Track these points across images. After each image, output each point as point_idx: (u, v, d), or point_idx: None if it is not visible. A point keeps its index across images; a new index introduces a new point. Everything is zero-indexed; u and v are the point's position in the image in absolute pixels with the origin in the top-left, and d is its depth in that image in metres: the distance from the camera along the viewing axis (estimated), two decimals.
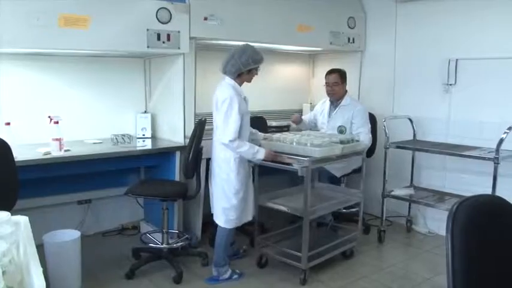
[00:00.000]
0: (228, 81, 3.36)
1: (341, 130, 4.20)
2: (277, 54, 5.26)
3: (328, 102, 4.41)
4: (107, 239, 4.27)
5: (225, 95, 3.26)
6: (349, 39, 4.95)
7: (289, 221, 4.42)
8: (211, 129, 3.97)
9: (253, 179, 3.61)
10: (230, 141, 3.21)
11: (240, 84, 3.39)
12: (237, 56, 3.29)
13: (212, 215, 4.20)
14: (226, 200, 3.38)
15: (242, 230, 4.02)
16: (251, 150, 3.29)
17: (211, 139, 3.52)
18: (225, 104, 3.24)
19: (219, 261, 3.47)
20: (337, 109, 4.30)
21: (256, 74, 3.43)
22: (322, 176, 4.29)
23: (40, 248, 2.82)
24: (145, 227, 4.33)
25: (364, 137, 4.05)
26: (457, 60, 4.25)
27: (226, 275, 3.48)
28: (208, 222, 4.24)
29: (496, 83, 4.03)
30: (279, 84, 5.42)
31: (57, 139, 3.34)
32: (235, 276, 3.51)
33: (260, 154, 3.31)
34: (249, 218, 3.54)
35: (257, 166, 3.57)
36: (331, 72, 4.29)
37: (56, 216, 4.02)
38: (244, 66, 3.30)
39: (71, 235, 3.30)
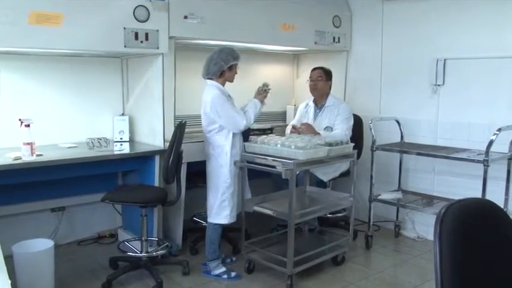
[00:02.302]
0: (211, 83, 3.49)
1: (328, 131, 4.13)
2: (260, 54, 5.18)
3: (312, 104, 4.35)
4: (82, 248, 4.14)
5: (211, 95, 3.42)
6: (334, 38, 4.88)
7: (272, 227, 4.34)
8: (192, 132, 3.89)
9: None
10: (244, 123, 3.44)
11: (223, 84, 3.52)
12: (216, 56, 3.45)
13: (193, 221, 4.14)
14: (218, 195, 3.52)
15: (225, 238, 3.94)
16: (253, 109, 3.50)
17: (192, 142, 3.56)
18: (215, 103, 3.39)
19: (207, 256, 3.60)
20: (322, 110, 4.26)
21: (236, 72, 3.56)
22: (311, 180, 4.18)
23: (10, 259, 2.69)
24: (123, 235, 4.21)
25: (340, 133, 4.00)
26: (445, 60, 4.20)
27: (217, 271, 3.56)
28: (189, 229, 4.15)
29: (484, 83, 3.99)
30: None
31: (28, 143, 3.20)
32: (225, 276, 3.54)
33: (257, 103, 3.54)
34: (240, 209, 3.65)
35: (246, 168, 3.57)
36: (315, 68, 4.33)
37: (28, 225, 3.88)
38: (225, 63, 3.43)
39: (43, 244, 3.21)
